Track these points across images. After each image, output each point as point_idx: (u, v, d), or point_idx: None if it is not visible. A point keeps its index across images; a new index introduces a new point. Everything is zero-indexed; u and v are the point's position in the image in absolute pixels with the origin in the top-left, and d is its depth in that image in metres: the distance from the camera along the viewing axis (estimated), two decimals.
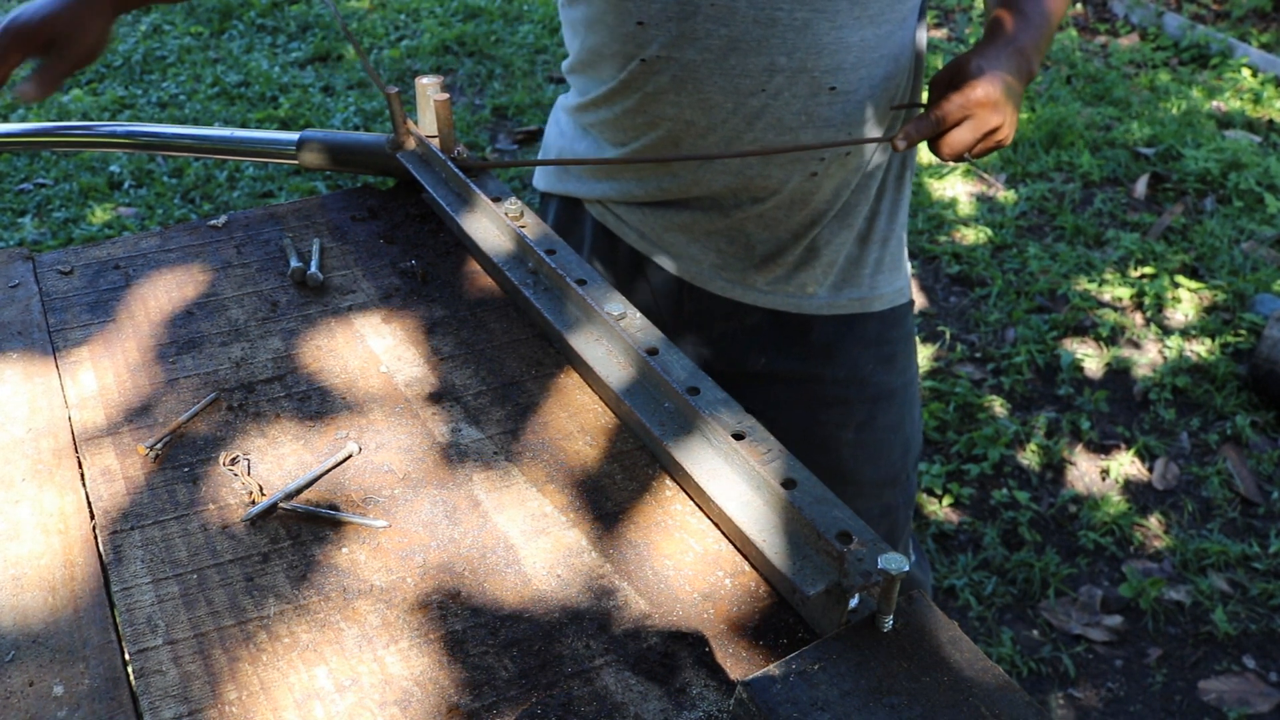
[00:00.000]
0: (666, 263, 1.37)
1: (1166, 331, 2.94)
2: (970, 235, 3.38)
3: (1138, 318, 3.01)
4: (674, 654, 0.81)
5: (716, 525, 0.92)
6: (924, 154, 3.53)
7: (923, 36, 1.32)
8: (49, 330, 1.13)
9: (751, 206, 1.30)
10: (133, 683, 0.78)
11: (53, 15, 1.17)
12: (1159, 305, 3.04)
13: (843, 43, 1.18)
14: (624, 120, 1.29)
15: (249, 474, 0.96)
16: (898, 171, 1.35)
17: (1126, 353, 2.88)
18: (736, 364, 1.41)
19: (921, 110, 1.20)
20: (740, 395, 1.46)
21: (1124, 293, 3.08)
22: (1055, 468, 2.55)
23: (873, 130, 1.26)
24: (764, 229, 1.32)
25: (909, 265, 1.43)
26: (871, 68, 1.22)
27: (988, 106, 1.12)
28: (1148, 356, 2.87)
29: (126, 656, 0.80)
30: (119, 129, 1.37)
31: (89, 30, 1.19)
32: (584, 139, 1.39)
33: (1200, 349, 2.88)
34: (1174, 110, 4.01)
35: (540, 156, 1.47)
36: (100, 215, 3.25)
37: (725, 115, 1.22)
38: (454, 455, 0.99)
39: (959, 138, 1.13)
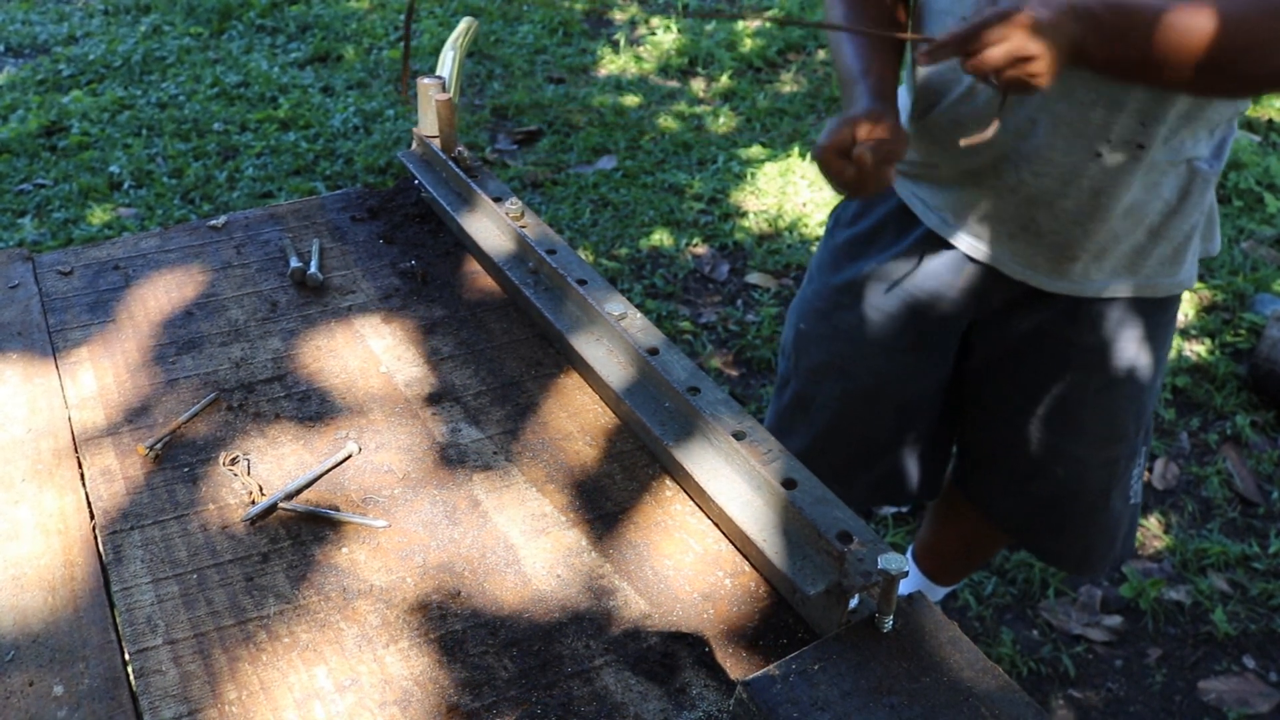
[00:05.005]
0: (962, 241, 1.43)
1: None
2: None
3: None
4: (674, 654, 0.81)
5: (717, 525, 0.92)
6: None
7: None
8: (49, 330, 1.13)
9: (1042, 202, 1.33)
10: (133, 683, 0.78)
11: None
12: None
13: None
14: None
15: (249, 474, 0.96)
16: (1205, 175, 1.35)
17: None
18: (1003, 328, 1.50)
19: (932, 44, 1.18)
20: (995, 348, 1.53)
21: None
22: None
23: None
24: (1054, 221, 1.35)
25: (1196, 259, 1.46)
26: None
27: (1026, 29, 1.05)
28: None
29: (126, 656, 0.80)
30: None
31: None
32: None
33: (1200, 349, 2.88)
34: None
35: None
36: (100, 215, 3.25)
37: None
38: (454, 455, 0.99)
39: (990, 54, 1.07)
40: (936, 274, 1.48)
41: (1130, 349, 1.47)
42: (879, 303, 1.53)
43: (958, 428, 1.72)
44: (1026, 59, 1.06)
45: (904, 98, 1.52)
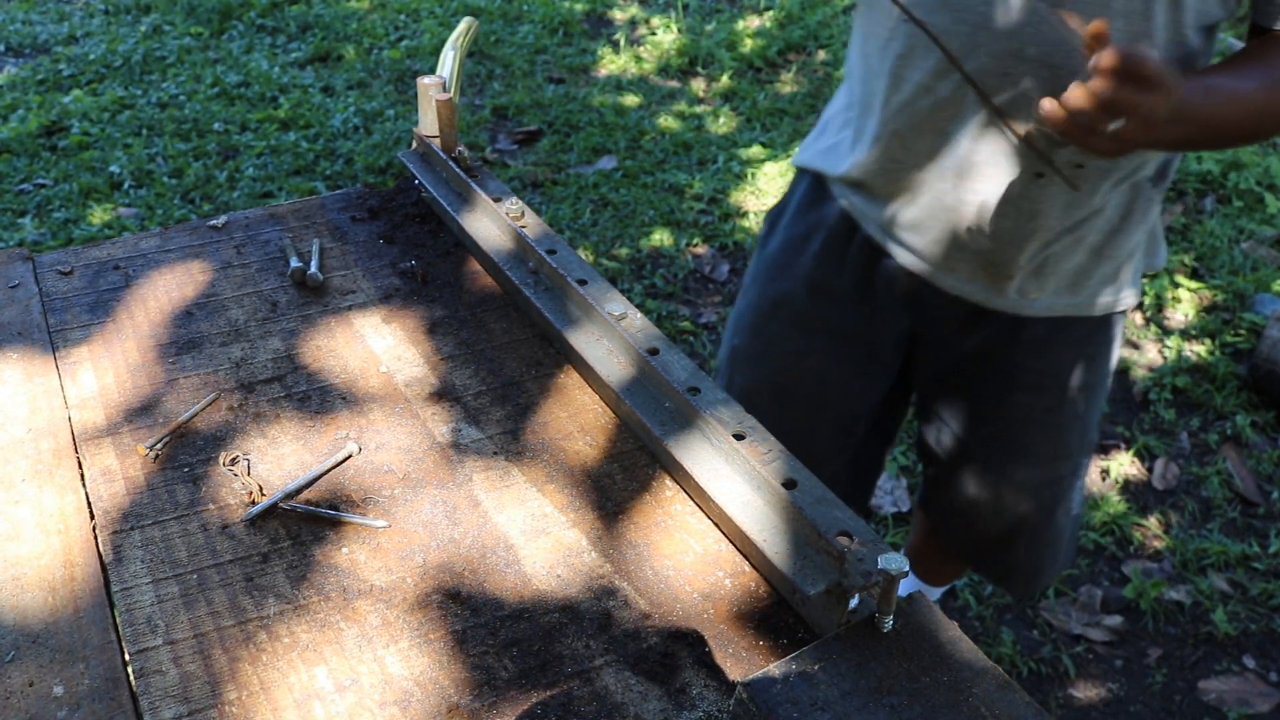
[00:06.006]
0: (899, 254, 1.41)
1: (1166, 332, 2.94)
2: None
3: (1137, 318, 3.01)
4: (674, 654, 0.81)
5: (717, 525, 0.92)
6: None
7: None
8: (49, 330, 1.13)
9: (979, 222, 1.31)
10: (133, 683, 0.78)
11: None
12: (1159, 305, 3.04)
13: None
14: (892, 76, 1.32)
15: (249, 474, 0.96)
16: (1148, 194, 1.34)
17: (1126, 353, 2.88)
18: (945, 344, 1.48)
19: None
20: (940, 366, 1.51)
21: None
22: None
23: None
24: (988, 241, 1.32)
25: (1141, 276, 1.45)
26: None
27: (1165, 100, 1.01)
28: (1147, 356, 2.87)
29: (126, 656, 0.80)
30: None
31: None
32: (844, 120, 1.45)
33: (1200, 349, 2.88)
34: None
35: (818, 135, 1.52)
36: (100, 215, 3.25)
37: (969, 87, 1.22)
38: (454, 455, 0.99)
39: (1123, 94, 1.00)
40: (873, 285, 1.44)
41: (1075, 369, 1.45)
42: (814, 314, 1.49)
43: (893, 442, 1.69)
44: (1142, 120, 1.01)
45: (841, 99, 1.47)
